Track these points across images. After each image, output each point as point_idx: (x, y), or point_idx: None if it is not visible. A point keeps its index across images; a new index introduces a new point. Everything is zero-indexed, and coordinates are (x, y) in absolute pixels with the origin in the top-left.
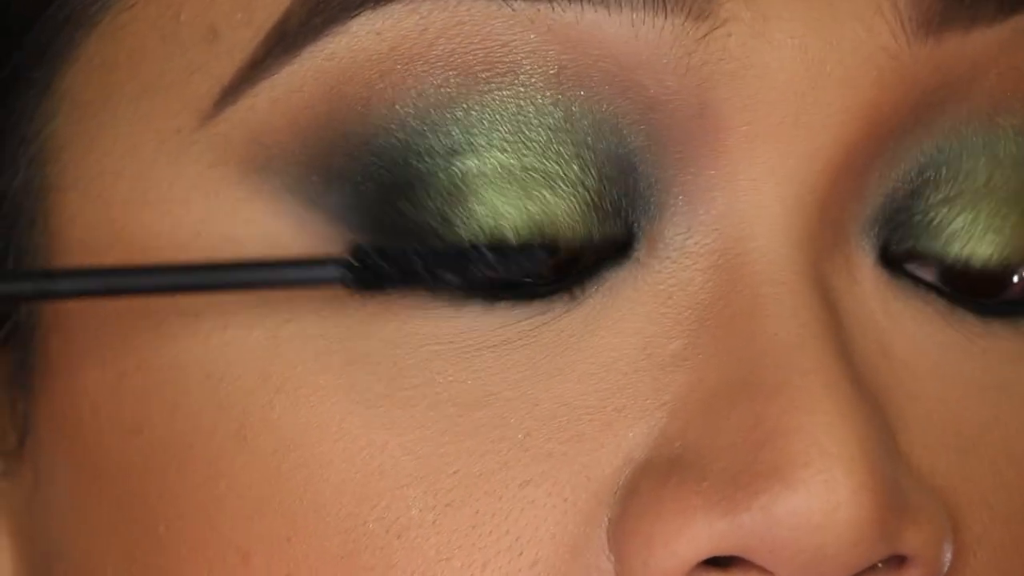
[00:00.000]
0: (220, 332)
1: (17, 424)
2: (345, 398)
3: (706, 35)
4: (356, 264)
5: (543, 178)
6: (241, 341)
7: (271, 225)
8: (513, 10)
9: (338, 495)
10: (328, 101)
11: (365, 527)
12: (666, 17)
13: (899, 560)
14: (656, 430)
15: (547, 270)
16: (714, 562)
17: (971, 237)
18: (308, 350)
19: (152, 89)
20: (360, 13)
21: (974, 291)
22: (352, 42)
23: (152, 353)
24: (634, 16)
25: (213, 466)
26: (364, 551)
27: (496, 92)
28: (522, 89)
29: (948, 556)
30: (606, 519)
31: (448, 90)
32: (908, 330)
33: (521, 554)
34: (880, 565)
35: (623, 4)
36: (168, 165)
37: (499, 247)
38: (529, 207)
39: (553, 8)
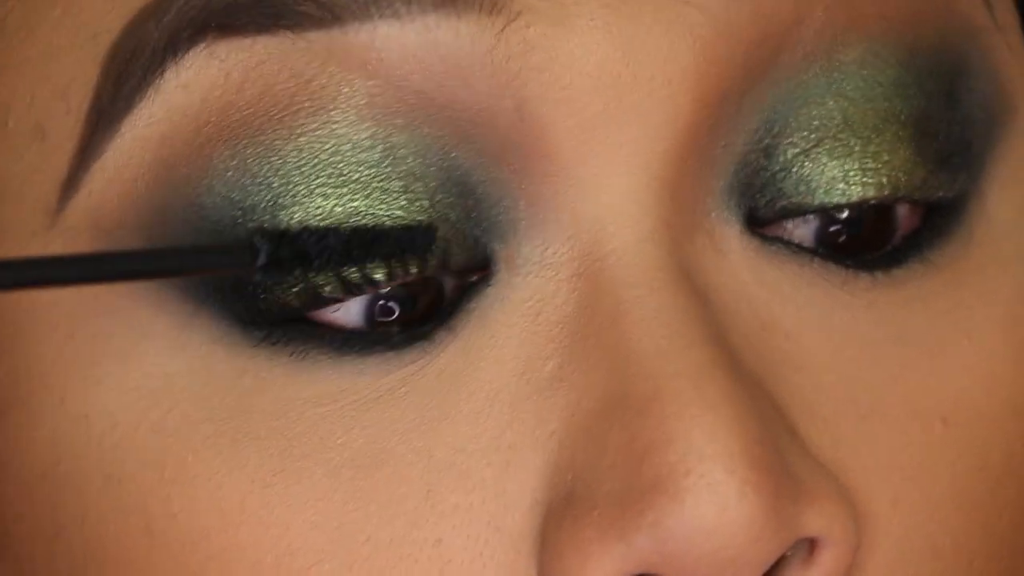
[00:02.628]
0: (110, 433)
1: None
2: (240, 480)
3: (504, 28)
4: (259, 249)
5: (372, 220)
6: (131, 439)
7: (134, 314)
8: (308, 42)
9: None
10: (153, 169)
11: None
12: (459, 17)
13: (810, 544)
14: (550, 464)
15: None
16: None
17: (844, 181)
18: (196, 437)
19: (2, 199)
20: (164, 70)
21: (857, 246)
22: (164, 102)
23: (53, 464)
24: (427, 21)
25: (130, 566)
26: None
27: (311, 134)
28: (335, 127)
29: (856, 529)
30: (530, 568)
31: (263, 138)
32: (787, 298)
33: None
34: (790, 553)
35: (413, 10)
36: None
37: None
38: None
39: (346, 32)
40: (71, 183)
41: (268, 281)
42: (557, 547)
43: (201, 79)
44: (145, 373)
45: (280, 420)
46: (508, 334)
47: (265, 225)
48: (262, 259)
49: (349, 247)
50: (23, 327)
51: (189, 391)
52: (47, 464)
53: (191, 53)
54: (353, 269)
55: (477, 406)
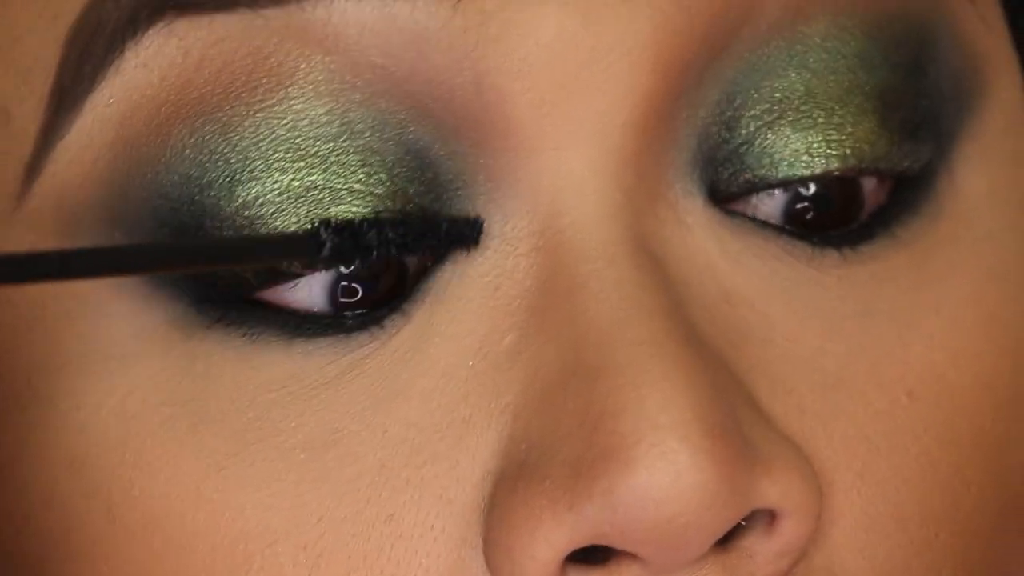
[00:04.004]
0: (74, 414)
1: None
2: (196, 464)
3: (459, 0)
4: (324, 241)
5: (331, 195)
6: (94, 422)
7: (96, 295)
8: (266, 19)
9: (211, 563)
10: (114, 149)
11: None
12: None
13: (770, 514)
14: (504, 435)
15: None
16: (590, 559)
17: (808, 153)
18: (154, 420)
19: None
20: (124, 49)
21: (824, 222)
22: (124, 81)
23: (21, 448)
24: None
25: (93, 550)
26: None
27: (268, 110)
28: (293, 103)
29: (816, 501)
30: (480, 539)
31: (221, 114)
32: (752, 270)
33: None
34: (744, 523)
35: None
36: None
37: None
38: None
39: (303, 9)
40: (34, 166)
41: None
42: (507, 517)
43: (160, 57)
44: (105, 355)
45: (233, 404)
46: (465, 309)
47: (222, 203)
48: (327, 251)
49: (405, 238)
50: None
51: (147, 374)
52: (16, 448)
53: (150, 32)
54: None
55: (432, 383)
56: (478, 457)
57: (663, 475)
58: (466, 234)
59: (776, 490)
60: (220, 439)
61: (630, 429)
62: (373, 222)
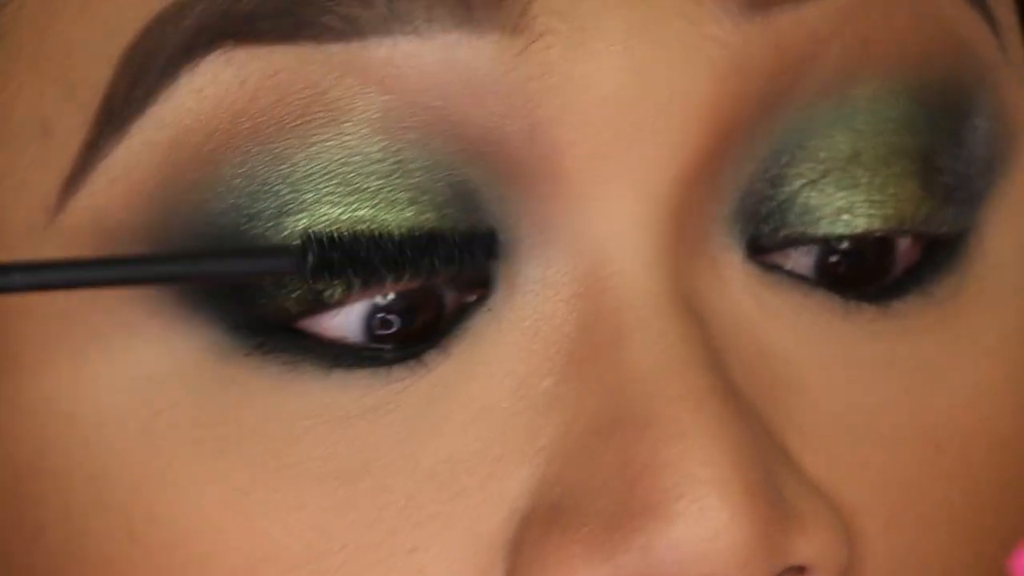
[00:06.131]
0: (97, 431)
1: None
2: (222, 487)
3: (523, 50)
4: (307, 253)
5: (377, 228)
6: (117, 440)
7: (128, 315)
8: (327, 54)
9: None
10: (160, 172)
11: None
12: (480, 36)
13: (798, 570)
14: (536, 476)
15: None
16: None
17: (849, 212)
18: (182, 441)
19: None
20: (179, 76)
21: (856, 276)
22: (176, 106)
23: (38, 459)
24: (447, 39)
25: (110, 567)
26: None
27: (321, 144)
28: (348, 138)
29: (845, 554)
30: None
31: (274, 146)
32: (787, 325)
33: None
34: None
35: (434, 28)
36: None
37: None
38: None
39: (366, 46)
40: (73, 181)
41: (274, 285)
42: (539, 558)
43: (216, 85)
44: (135, 375)
45: (265, 431)
46: (504, 352)
47: (269, 232)
48: (312, 260)
49: (402, 249)
50: (10, 321)
51: (177, 396)
52: (32, 459)
53: (208, 59)
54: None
55: (467, 420)
56: (507, 495)
57: (703, 532)
58: (477, 248)
59: (810, 549)
60: (248, 464)
61: (671, 484)
62: (367, 233)
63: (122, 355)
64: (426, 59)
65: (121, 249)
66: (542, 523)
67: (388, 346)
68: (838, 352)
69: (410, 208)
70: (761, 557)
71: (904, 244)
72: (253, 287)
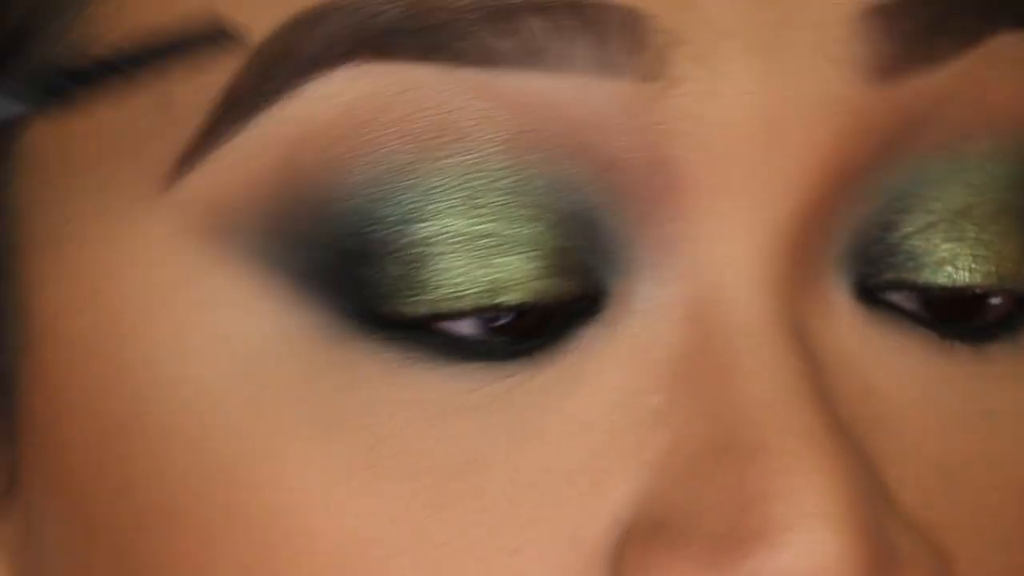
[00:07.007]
0: (198, 399)
1: (6, 467)
2: (327, 466)
3: (658, 96)
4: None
5: (499, 242)
6: (221, 410)
7: (237, 291)
8: (460, 77)
9: (329, 564)
10: (283, 167)
11: None
12: (616, 79)
13: None
14: (641, 491)
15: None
16: None
17: (953, 264)
18: (288, 417)
19: (111, 156)
20: (310, 79)
21: (959, 317)
22: (305, 107)
23: (132, 419)
24: (584, 80)
25: (205, 531)
26: None
27: (448, 159)
28: (474, 156)
29: None
30: None
31: (400, 157)
32: (890, 364)
33: None
34: None
35: (573, 69)
36: (132, 232)
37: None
38: (487, 271)
39: (500, 76)
40: (189, 158)
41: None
42: (643, 571)
43: (345, 95)
44: (241, 349)
45: (371, 418)
46: (613, 366)
47: (390, 237)
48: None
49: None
50: (114, 280)
51: (285, 373)
52: (124, 418)
53: (340, 69)
54: None
55: (571, 429)
56: (610, 505)
57: (812, 563)
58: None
59: None
60: (353, 448)
61: (782, 514)
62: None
63: (226, 329)
64: (559, 95)
65: (238, 231)
66: (645, 537)
67: (502, 339)
68: (934, 394)
69: (530, 224)
70: None
71: (998, 298)
72: (372, 289)
